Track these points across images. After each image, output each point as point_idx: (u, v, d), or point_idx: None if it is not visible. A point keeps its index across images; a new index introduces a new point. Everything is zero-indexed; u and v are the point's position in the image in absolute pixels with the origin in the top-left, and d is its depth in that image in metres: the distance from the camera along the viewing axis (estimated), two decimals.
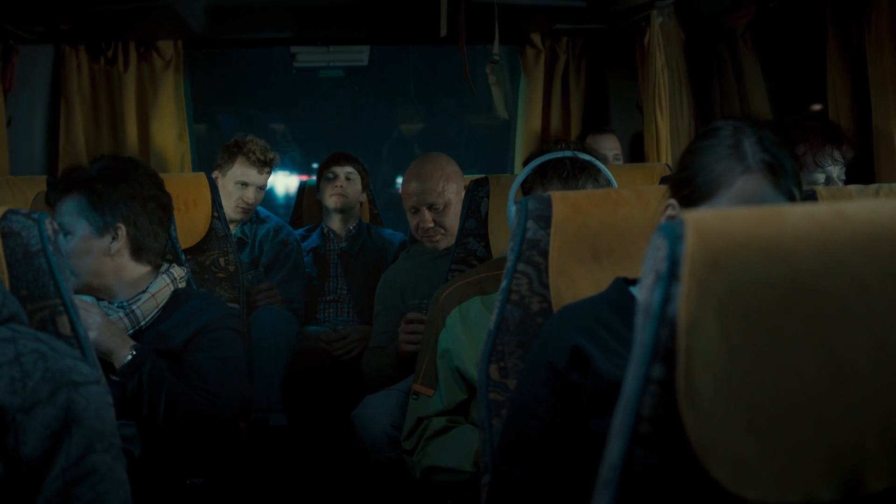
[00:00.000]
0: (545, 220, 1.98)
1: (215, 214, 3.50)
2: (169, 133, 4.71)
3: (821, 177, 2.79)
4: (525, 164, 2.50)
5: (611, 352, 1.72)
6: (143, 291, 2.55)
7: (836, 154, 2.81)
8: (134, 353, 2.36)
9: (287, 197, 7.43)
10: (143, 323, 2.52)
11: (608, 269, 1.95)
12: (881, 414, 1.00)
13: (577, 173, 2.40)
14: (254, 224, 4.24)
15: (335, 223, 4.50)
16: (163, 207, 2.60)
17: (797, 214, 1.02)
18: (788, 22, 3.99)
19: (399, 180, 7.60)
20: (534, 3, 4.07)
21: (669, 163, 4.21)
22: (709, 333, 0.98)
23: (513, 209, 2.43)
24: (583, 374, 1.72)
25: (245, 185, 4.09)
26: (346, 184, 4.45)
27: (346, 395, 3.54)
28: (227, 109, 7.71)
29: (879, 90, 3.17)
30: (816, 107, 4.41)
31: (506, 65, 5.01)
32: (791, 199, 1.68)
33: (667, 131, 4.44)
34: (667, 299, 1.00)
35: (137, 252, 2.55)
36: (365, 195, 4.62)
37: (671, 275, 1.00)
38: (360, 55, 4.95)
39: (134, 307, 2.51)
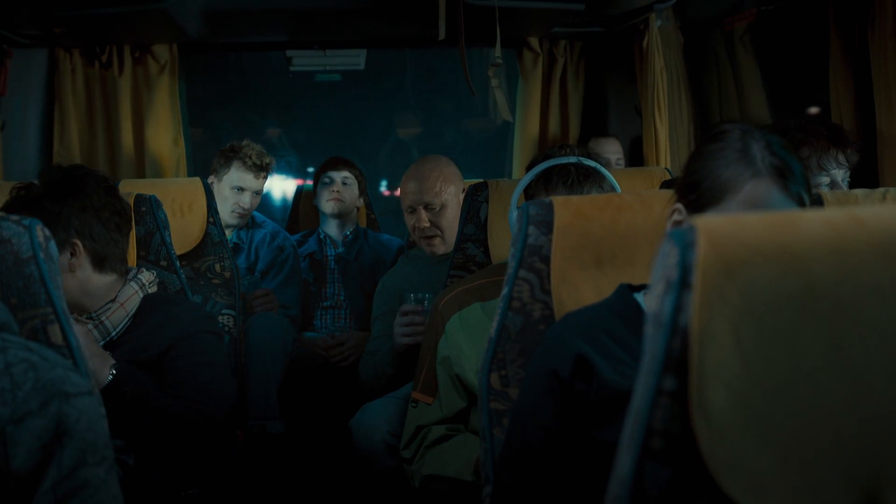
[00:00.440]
0: (547, 226, 1.95)
1: (211, 220, 3.47)
2: (164, 138, 4.69)
3: (825, 180, 2.76)
4: (528, 168, 2.46)
5: (615, 360, 1.68)
6: (112, 301, 2.50)
7: (841, 157, 2.78)
8: (114, 372, 2.31)
9: (284, 202, 7.39)
10: (113, 334, 2.47)
11: (611, 275, 1.92)
12: None
13: (583, 180, 2.37)
14: (250, 229, 4.21)
15: (332, 228, 4.47)
16: (118, 213, 2.53)
17: (812, 220, 0.99)
18: (789, 24, 3.97)
19: (384, 184, 7.60)
20: (532, 6, 4.05)
21: (669, 166, 4.19)
22: (722, 343, 0.95)
23: (514, 215, 2.40)
24: (587, 383, 1.68)
25: (241, 189, 4.06)
26: (343, 188, 4.42)
27: (344, 402, 3.52)
28: (223, 114, 7.68)
29: (883, 92, 3.14)
30: (814, 110, 4.39)
31: (502, 68, 4.99)
32: (801, 203, 1.65)
33: (666, 135, 4.42)
34: (678, 308, 0.97)
35: (99, 263, 2.49)
36: (362, 200, 4.59)
37: (682, 283, 0.97)
38: (356, 59, 4.93)
39: (103, 318, 2.46)
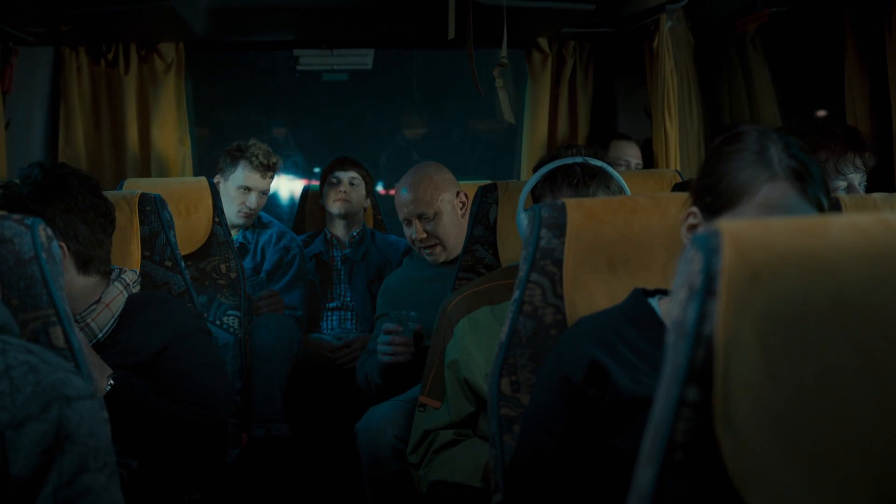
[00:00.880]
0: (559, 229, 1.91)
1: (216, 220, 3.45)
2: (170, 137, 4.67)
3: (842, 184, 2.72)
4: (535, 170, 2.43)
5: (630, 366, 1.65)
6: (96, 302, 2.45)
7: (858, 161, 2.74)
8: (112, 383, 2.27)
9: (291, 202, 7.36)
10: (100, 335, 2.42)
11: (625, 279, 1.88)
12: None
13: (588, 180, 2.34)
14: (256, 229, 4.18)
15: (338, 229, 4.44)
16: (103, 214, 2.48)
17: (841, 225, 0.96)
18: (802, 26, 3.93)
19: (380, 184, 7.56)
20: (541, 6, 4.02)
21: (679, 169, 4.15)
22: (747, 353, 0.92)
23: (522, 216, 2.37)
24: (600, 390, 1.65)
25: (247, 189, 4.03)
26: (350, 189, 4.39)
27: (350, 404, 3.49)
28: (230, 113, 7.66)
29: None
30: (821, 113, 4.35)
31: (510, 69, 4.96)
32: (819, 207, 1.61)
33: (676, 137, 4.39)
34: (702, 316, 0.94)
35: (84, 265, 2.43)
36: (369, 200, 4.56)
37: (707, 290, 0.94)
38: (364, 58, 4.90)
39: (88, 320, 2.41)
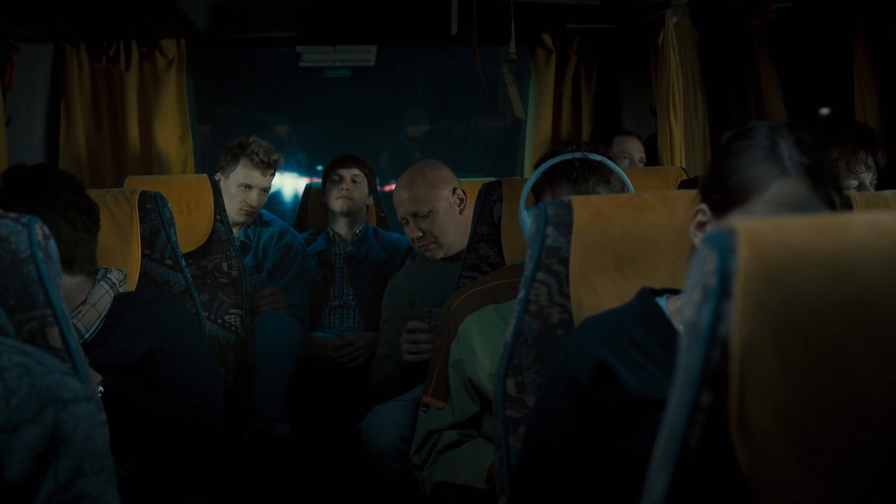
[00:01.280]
0: (565, 227, 1.88)
1: (218, 217, 3.42)
2: (171, 134, 4.65)
3: (853, 183, 2.69)
4: (535, 166, 2.41)
5: (637, 367, 1.62)
6: (83, 303, 2.41)
7: (870, 160, 2.70)
8: (102, 390, 2.24)
9: (294, 199, 7.33)
10: (87, 336, 2.38)
11: (632, 278, 1.85)
12: None
13: (587, 175, 2.32)
14: (257, 227, 4.15)
15: (341, 227, 4.41)
16: (86, 212, 2.44)
17: (861, 223, 0.93)
18: (809, 22, 3.90)
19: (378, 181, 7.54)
20: (546, 1, 3.99)
21: (684, 166, 4.12)
22: (764, 356, 0.89)
23: (524, 214, 2.34)
24: (607, 391, 1.62)
25: (248, 187, 4.00)
26: (353, 186, 4.36)
27: (352, 403, 3.48)
28: (232, 111, 7.63)
29: None
30: (825, 110, 4.32)
31: (513, 66, 4.94)
32: (831, 205, 1.58)
33: (681, 134, 4.36)
34: (717, 318, 0.91)
35: (68, 264, 2.39)
36: (371, 198, 4.54)
37: (722, 291, 0.91)
38: (367, 55, 4.88)
39: (74, 321, 2.37)
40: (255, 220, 4.14)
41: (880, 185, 2.78)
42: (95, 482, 1.33)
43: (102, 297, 2.42)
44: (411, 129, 7.77)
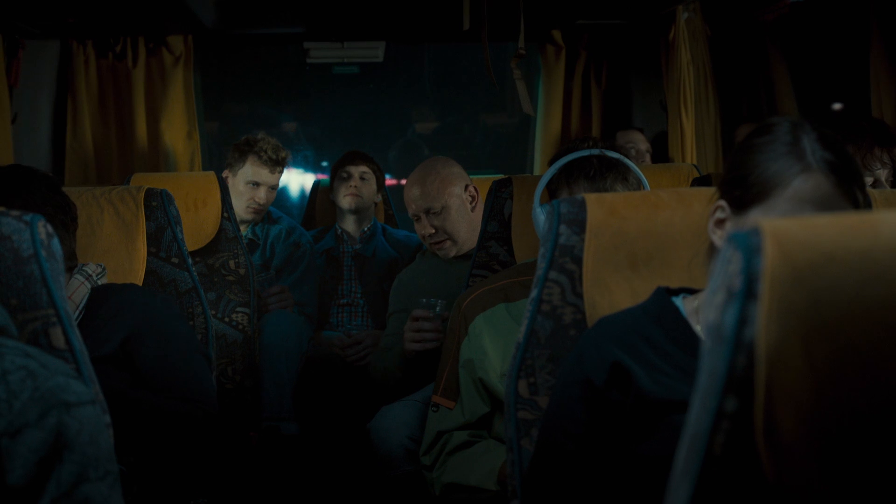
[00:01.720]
0: (579, 225, 1.84)
1: (225, 215, 3.39)
2: (178, 131, 4.64)
3: (868, 180, 2.65)
4: (550, 163, 2.37)
5: (654, 368, 1.58)
6: None
7: (885, 157, 2.66)
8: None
9: (302, 197, 7.31)
10: None
11: (647, 277, 1.81)
12: None
13: (605, 172, 2.28)
14: (265, 225, 4.12)
15: (349, 224, 4.39)
16: (62, 210, 2.41)
17: (892, 222, 0.89)
18: (823, 17, 3.86)
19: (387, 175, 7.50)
20: None
21: (696, 163, 4.09)
22: (791, 361, 0.86)
23: (538, 212, 2.31)
24: (623, 393, 1.59)
25: (256, 184, 3.98)
26: (361, 184, 4.34)
27: (361, 402, 3.46)
28: (241, 108, 7.61)
29: None
30: (838, 106, 4.28)
31: (522, 62, 4.92)
32: (854, 202, 1.53)
33: (692, 131, 4.34)
34: (742, 321, 0.87)
35: None
36: (380, 195, 4.51)
37: (747, 293, 0.87)
38: (375, 51, 4.86)
39: None
40: (262, 217, 4.11)
41: (894, 182, 2.75)
42: (99, 488, 1.30)
43: (78, 289, 2.39)
44: (419, 126, 7.73)
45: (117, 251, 2.70)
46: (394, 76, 7.41)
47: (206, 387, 2.44)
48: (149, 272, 2.78)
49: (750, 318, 0.87)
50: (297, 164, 7.32)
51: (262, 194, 3.99)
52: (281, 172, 4.07)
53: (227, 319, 3.38)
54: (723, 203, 1.62)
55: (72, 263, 2.43)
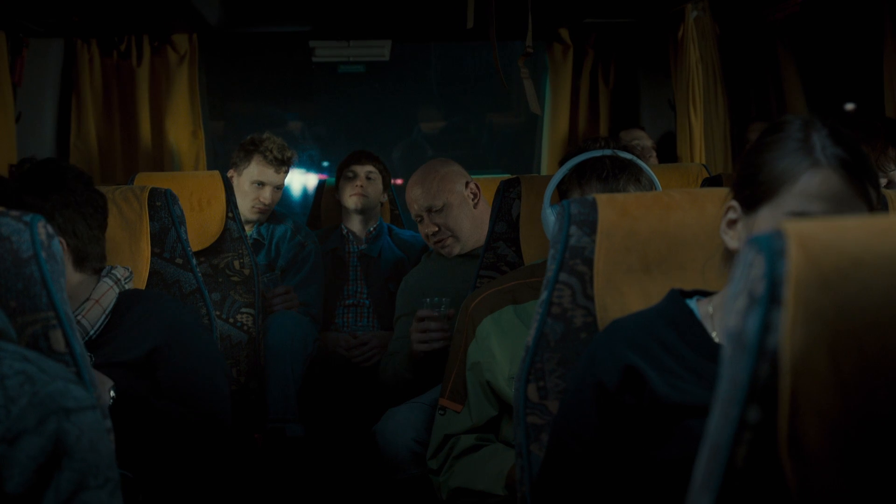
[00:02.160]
0: (590, 226, 1.81)
1: (230, 215, 3.37)
2: (183, 130, 4.62)
3: (882, 182, 2.61)
4: (561, 163, 2.33)
5: (668, 371, 1.55)
6: (87, 300, 2.34)
7: None
8: (113, 395, 2.17)
9: (305, 197, 7.29)
10: (91, 333, 2.31)
11: (659, 279, 1.78)
12: None
13: (618, 173, 2.24)
14: (270, 225, 4.09)
15: (355, 224, 4.36)
16: (100, 209, 2.39)
17: None
18: (834, 15, 3.83)
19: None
20: None
21: (705, 163, 4.05)
22: (817, 369, 0.83)
23: (549, 212, 2.27)
24: (636, 397, 1.55)
25: (261, 184, 3.95)
26: (367, 183, 4.30)
27: (367, 404, 3.44)
28: (246, 107, 7.59)
29: None
30: (850, 106, 4.24)
31: (529, 61, 4.90)
32: (867, 200, 1.50)
33: (701, 130, 4.31)
34: (766, 328, 0.84)
35: (80, 262, 2.33)
36: (386, 195, 4.47)
37: (771, 298, 0.84)
38: (381, 50, 4.83)
39: (79, 317, 2.30)
40: (267, 217, 4.08)
41: None
42: (99, 496, 1.27)
43: (106, 293, 2.36)
44: (425, 126, 7.71)
45: (121, 251, 2.67)
46: (400, 75, 7.40)
47: (223, 406, 2.41)
48: (152, 273, 2.75)
49: (774, 325, 0.84)
50: (303, 164, 7.31)
51: (267, 194, 3.96)
52: (286, 172, 4.04)
53: (231, 320, 3.35)
54: (734, 203, 1.60)
55: (101, 265, 2.41)
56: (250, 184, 3.94)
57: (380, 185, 4.37)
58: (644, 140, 4.48)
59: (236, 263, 3.39)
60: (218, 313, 3.27)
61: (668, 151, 4.70)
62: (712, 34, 4.39)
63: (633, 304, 1.76)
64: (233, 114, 7.37)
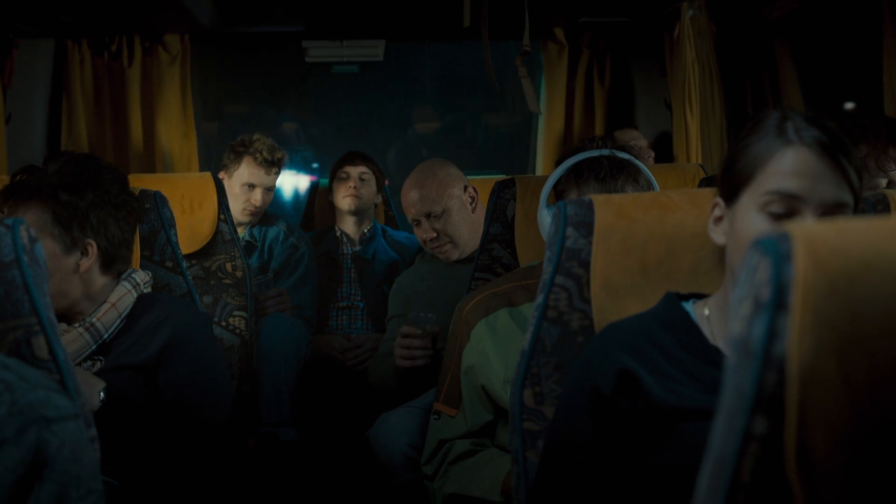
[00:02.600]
0: (587, 227, 1.77)
1: (222, 217, 3.33)
2: (175, 131, 4.60)
3: (882, 182, 2.58)
4: (558, 163, 2.30)
5: (664, 376, 1.53)
6: (104, 302, 2.31)
7: None
8: (104, 395, 2.13)
9: (296, 197, 7.26)
10: (105, 336, 2.28)
11: (657, 282, 1.74)
12: None
13: (616, 173, 2.22)
14: (263, 227, 4.06)
15: (348, 226, 4.33)
16: (134, 213, 2.37)
17: None
18: (832, 13, 3.80)
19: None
20: None
21: (702, 163, 4.03)
22: (826, 377, 0.79)
23: (545, 213, 2.24)
24: (632, 401, 1.53)
25: (252, 186, 3.91)
26: (360, 185, 4.27)
27: (361, 408, 3.42)
28: (240, 107, 7.56)
29: None
30: (849, 105, 4.22)
31: (524, 61, 4.88)
32: (845, 175, 1.47)
33: (697, 130, 4.28)
34: (772, 334, 0.81)
35: (107, 265, 2.30)
36: (380, 197, 4.44)
37: (777, 303, 0.81)
38: (375, 50, 4.82)
39: (93, 319, 2.27)
40: (260, 219, 4.05)
41: None
42: None
43: (124, 297, 2.33)
44: (420, 126, 7.68)
45: None
46: (394, 75, 7.37)
47: (220, 414, 2.38)
48: None
49: (780, 331, 0.81)
50: (296, 165, 7.27)
51: (258, 196, 3.93)
52: (277, 174, 4.01)
53: (223, 323, 3.32)
54: (718, 200, 1.60)
55: (125, 268, 2.37)
56: (241, 186, 3.91)
57: (373, 187, 4.34)
58: (641, 140, 4.46)
59: (228, 266, 3.35)
60: (210, 316, 3.24)
61: (664, 151, 4.67)
62: (708, 33, 4.36)
63: (630, 307, 1.72)
64: (225, 115, 7.33)
